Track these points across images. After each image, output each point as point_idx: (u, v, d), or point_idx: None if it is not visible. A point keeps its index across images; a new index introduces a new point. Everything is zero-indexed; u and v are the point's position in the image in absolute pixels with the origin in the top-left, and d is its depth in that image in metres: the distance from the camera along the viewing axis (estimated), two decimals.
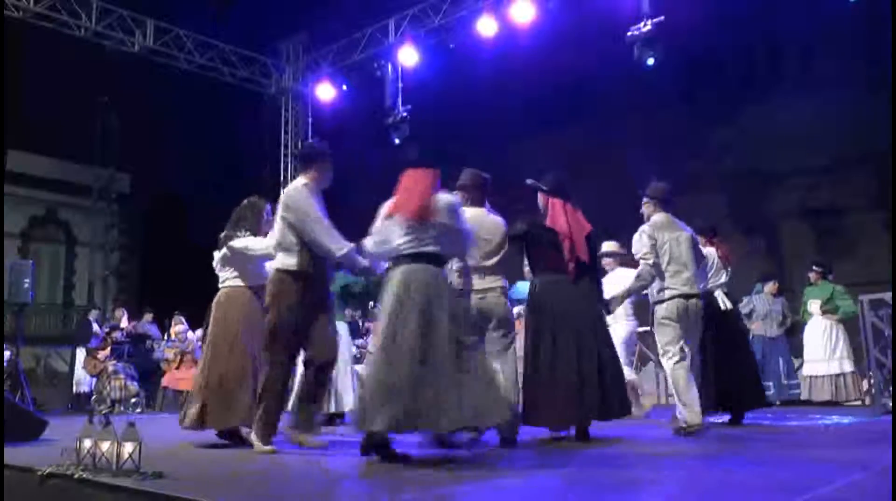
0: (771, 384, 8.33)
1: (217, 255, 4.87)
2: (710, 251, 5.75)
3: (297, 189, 4.32)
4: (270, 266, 4.48)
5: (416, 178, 3.83)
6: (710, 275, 5.70)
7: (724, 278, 5.75)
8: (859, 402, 7.85)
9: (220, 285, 4.85)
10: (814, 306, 8.22)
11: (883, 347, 6.52)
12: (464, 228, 3.87)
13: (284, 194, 4.37)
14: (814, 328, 8.21)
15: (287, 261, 4.21)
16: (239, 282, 4.76)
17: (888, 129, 7.87)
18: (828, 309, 8.12)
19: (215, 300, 4.83)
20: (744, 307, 8.68)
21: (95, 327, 11.14)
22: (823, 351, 8.05)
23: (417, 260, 3.65)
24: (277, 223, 4.30)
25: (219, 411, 4.47)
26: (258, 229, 4.78)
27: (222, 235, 4.83)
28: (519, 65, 12.15)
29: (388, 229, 3.79)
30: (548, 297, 4.58)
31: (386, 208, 3.86)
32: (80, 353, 11.15)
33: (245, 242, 4.71)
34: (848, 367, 7.94)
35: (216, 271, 4.92)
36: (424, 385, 3.32)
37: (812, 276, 8.41)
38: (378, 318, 3.82)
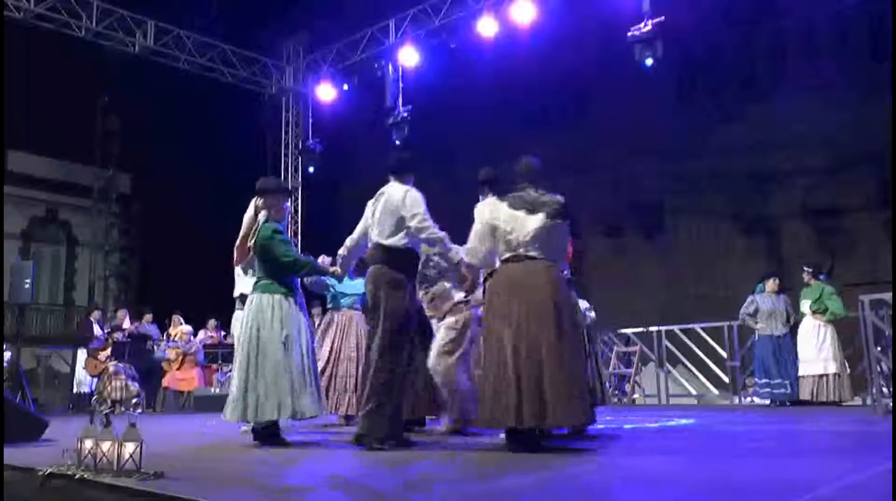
0: (784, 381, 8.29)
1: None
2: None
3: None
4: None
5: None
6: None
7: None
8: (850, 403, 7.87)
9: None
10: (805, 306, 8.25)
11: (883, 347, 6.52)
12: None
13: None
14: (805, 329, 8.25)
15: None
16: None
17: (888, 129, 7.87)
18: (816, 309, 8.13)
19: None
20: (747, 307, 8.65)
21: (96, 327, 11.14)
22: (812, 352, 8.07)
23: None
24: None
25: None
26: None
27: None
28: (519, 65, 12.16)
29: None
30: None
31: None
32: (82, 354, 11.16)
33: None
34: (832, 368, 7.95)
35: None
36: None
37: (805, 276, 8.41)
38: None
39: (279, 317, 4.40)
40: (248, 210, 4.73)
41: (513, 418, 3.57)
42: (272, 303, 4.43)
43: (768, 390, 8.40)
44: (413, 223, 4.19)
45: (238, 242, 4.75)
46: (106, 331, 10.94)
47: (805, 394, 8.03)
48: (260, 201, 4.61)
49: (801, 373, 8.14)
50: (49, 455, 3.35)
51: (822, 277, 8.36)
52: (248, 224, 4.68)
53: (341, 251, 4.69)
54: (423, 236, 4.23)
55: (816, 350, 8.04)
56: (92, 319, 11.45)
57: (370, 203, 4.47)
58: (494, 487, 2.78)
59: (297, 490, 2.83)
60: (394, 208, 4.24)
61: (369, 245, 4.43)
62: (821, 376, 7.97)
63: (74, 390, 11.37)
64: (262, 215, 4.55)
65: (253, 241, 4.50)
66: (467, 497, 2.60)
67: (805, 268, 8.41)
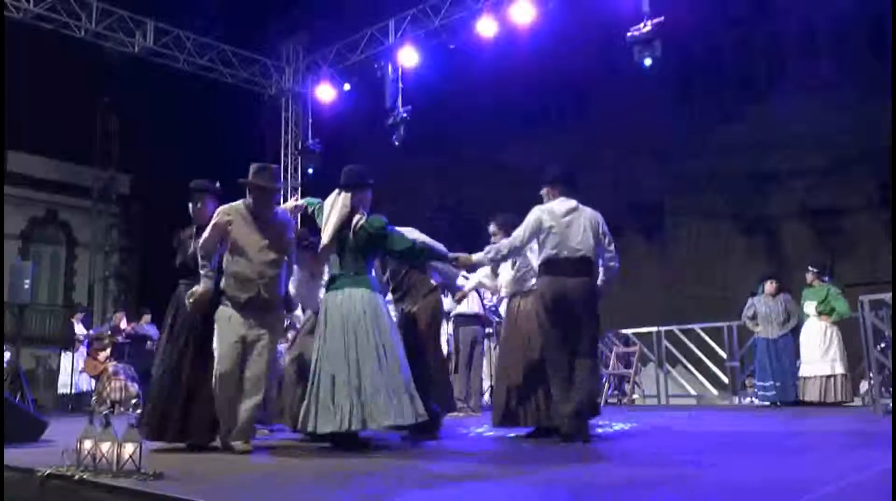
0: (777, 383, 8.29)
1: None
2: None
3: None
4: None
5: None
6: None
7: None
8: (852, 403, 7.86)
9: None
10: (809, 307, 8.20)
11: (883, 347, 6.52)
12: None
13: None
14: (809, 330, 8.20)
15: None
16: None
17: (888, 129, 7.87)
18: (822, 311, 8.10)
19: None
20: (747, 310, 8.62)
21: (80, 328, 11.11)
22: (817, 352, 8.04)
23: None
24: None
25: None
26: None
27: None
28: (519, 65, 12.15)
29: None
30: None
31: None
32: (66, 356, 11.15)
33: None
34: (839, 369, 7.93)
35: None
36: None
37: (808, 277, 8.37)
38: None
39: (385, 315, 4.15)
40: (341, 204, 4.30)
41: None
42: (374, 301, 4.13)
43: (763, 392, 8.40)
44: (611, 249, 4.55)
45: (328, 239, 4.28)
46: (92, 332, 10.95)
47: (812, 395, 7.98)
48: (354, 196, 4.29)
49: (804, 374, 8.11)
50: (48, 456, 3.35)
51: (826, 278, 8.34)
52: (344, 219, 4.27)
53: (502, 250, 4.49)
54: (613, 263, 4.58)
55: (822, 351, 7.99)
56: (74, 320, 11.43)
57: (553, 214, 4.42)
58: (492, 489, 2.77)
59: (298, 491, 2.83)
60: (594, 225, 4.48)
61: (564, 254, 4.36)
62: (829, 376, 7.94)
63: (59, 391, 11.34)
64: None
65: (359, 232, 4.19)
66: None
67: (809, 268, 8.37)
